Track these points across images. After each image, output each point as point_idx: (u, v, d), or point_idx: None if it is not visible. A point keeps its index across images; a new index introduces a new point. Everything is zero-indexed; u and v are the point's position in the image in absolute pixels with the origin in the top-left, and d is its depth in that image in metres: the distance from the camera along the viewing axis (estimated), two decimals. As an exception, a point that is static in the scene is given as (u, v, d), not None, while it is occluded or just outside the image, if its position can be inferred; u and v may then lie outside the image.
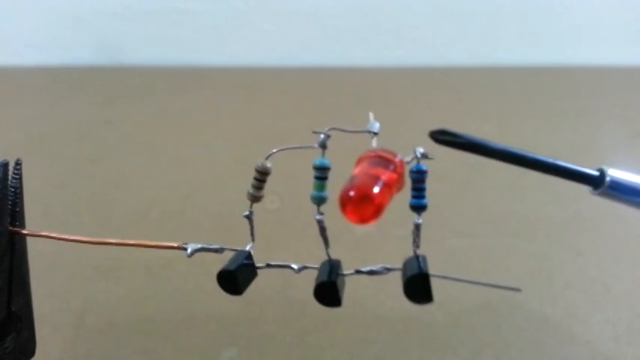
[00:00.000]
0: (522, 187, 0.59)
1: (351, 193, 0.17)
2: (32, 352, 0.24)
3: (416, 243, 0.20)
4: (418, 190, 0.20)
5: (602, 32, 1.00)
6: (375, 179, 0.18)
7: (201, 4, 0.99)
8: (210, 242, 0.54)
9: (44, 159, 0.67)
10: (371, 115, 0.21)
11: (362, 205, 0.17)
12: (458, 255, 0.48)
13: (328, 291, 0.20)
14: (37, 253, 0.51)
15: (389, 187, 0.18)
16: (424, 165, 0.20)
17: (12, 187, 0.22)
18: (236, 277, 0.20)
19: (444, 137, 0.19)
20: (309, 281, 0.44)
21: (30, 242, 0.52)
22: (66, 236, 0.24)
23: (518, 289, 0.21)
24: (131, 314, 0.42)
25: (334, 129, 0.20)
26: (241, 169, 0.68)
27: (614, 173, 0.21)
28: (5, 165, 0.22)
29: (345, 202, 0.17)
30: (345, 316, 0.42)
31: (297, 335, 0.40)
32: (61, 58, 1.01)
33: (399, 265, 0.21)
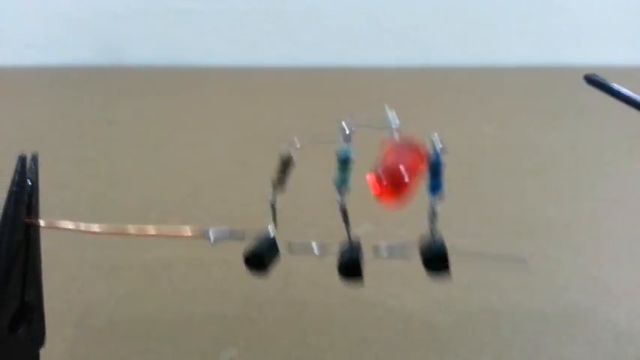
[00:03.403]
0: (522, 187, 0.59)
1: (387, 181, 0.19)
2: (42, 342, 0.24)
3: (433, 223, 0.21)
4: (437, 176, 0.21)
5: (602, 32, 1.00)
6: (409, 166, 0.19)
7: (201, 4, 0.99)
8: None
9: (44, 159, 0.67)
10: (388, 111, 0.22)
11: (397, 190, 0.19)
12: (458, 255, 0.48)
13: (353, 268, 0.22)
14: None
15: (416, 174, 0.20)
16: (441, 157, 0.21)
17: (28, 179, 0.23)
18: (263, 258, 0.21)
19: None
20: (309, 281, 0.44)
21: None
22: (82, 227, 0.23)
23: (524, 261, 0.22)
24: (131, 314, 0.42)
25: (359, 125, 0.21)
26: (241, 169, 0.68)
27: None
28: (23, 159, 0.23)
29: (382, 189, 0.19)
30: (345, 316, 0.42)
31: (297, 335, 0.40)
32: (61, 58, 1.01)
33: (415, 243, 0.22)
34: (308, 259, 0.46)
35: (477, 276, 0.46)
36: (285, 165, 0.21)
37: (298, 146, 0.21)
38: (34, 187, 0.23)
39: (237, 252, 0.49)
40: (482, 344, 0.40)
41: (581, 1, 0.99)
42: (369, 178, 0.19)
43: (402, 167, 0.19)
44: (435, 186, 0.21)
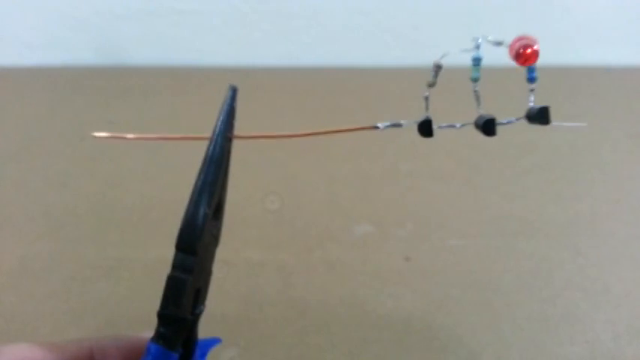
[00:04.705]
0: (522, 188, 0.59)
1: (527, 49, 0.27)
2: (218, 243, 0.28)
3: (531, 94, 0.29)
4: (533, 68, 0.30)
5: (602, 32, 1.00)
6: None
7: (201, 4, 0.99)
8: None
9: (44, 159, 0.67)
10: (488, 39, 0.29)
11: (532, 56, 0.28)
12: (458, 255, 0.48)
13: (491, 126, 0.29)
14: (36, 254, 0.51)
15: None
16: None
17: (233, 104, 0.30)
18: (430, 124, 0.29)
19: None
20: (309, 281, 0.44)
21: (28, 244, 0.52)
22: (269, 133, 0.28)
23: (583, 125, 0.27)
24: (131, 314, 0.42)
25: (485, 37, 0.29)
26: (241, 169, 0.68)
27: None
28: (234, 88, 0.30)
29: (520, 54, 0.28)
30: (345, 316, 0.42)
31: (297, 335, 0.41)
32: (61, 58, 1.01)
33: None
34: (308, 260, 0.46)
35: (477, 276, 0.46)
36: (437, 69, 0.28)
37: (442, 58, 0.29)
38: (234, 111, 0.30)
39: (237, 252, 0.49)
40: (482, 344, 0.40)
41: (581, 2, 0.99)
42: (516, 49, 0.28)
43: (537, 44, 0.27)
44: (533, 74, 0.29)
